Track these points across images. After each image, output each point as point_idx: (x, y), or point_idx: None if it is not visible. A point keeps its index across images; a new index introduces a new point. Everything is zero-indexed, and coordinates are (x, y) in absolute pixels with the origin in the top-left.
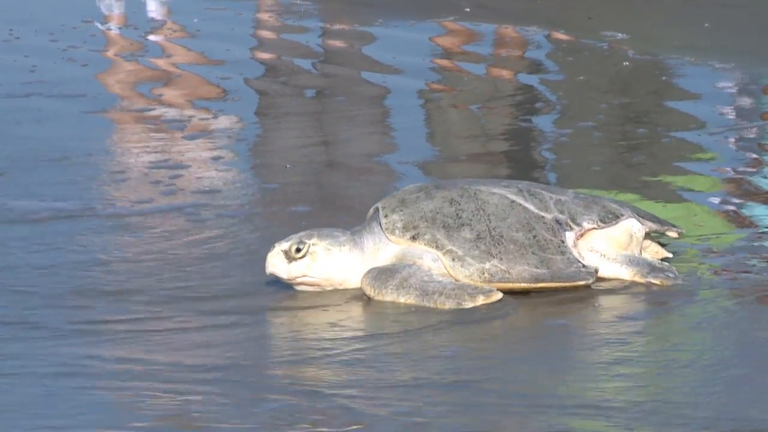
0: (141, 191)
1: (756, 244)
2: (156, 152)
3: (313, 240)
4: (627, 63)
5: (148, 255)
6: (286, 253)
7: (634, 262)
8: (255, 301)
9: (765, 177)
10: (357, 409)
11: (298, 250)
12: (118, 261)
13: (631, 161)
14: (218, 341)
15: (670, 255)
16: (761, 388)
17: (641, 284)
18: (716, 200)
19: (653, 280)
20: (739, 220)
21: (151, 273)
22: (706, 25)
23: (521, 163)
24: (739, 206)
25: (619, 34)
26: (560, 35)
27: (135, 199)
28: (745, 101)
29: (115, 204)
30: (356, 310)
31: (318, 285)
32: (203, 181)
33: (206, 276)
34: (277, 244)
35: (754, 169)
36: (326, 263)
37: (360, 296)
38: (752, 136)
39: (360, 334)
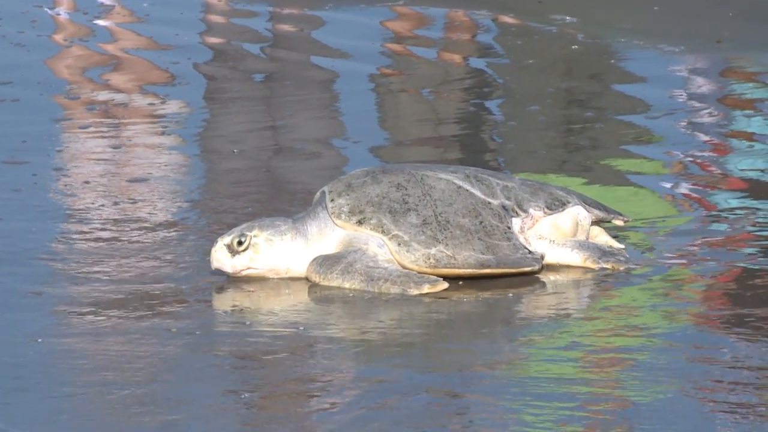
0: (87, 177)
1: (702, 226)
2: (103, 137)
3: (254, 231)
4: (576, 47)
5: (95, 243)
6: (229, 247)
7: (584, 246)
8: (202, 286)
9: (716, 161)
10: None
11: (240, 243)
12: (65, 249)
13: (578, 144)
14: (166, 327)
15: (622, 246)
16: (707, 373)
17: (592, 269)
18: (663, 183)
19: (605, 265)
20: (685, 204)
21: (99, 260)
22: (655, 8)
23: (471, 147)
24: (687, 189)
25: (568, 18)
26: (510, 19)
27: (82, 185)
28: (693, 85)
29: (61, 191)
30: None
31: (264, 276)
32: (150, 166)
33: (153, 262)
34: (219, 239)
35: (702, 153)
36: (269, 254)
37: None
38: (700, 119)
39: (305, 319)
